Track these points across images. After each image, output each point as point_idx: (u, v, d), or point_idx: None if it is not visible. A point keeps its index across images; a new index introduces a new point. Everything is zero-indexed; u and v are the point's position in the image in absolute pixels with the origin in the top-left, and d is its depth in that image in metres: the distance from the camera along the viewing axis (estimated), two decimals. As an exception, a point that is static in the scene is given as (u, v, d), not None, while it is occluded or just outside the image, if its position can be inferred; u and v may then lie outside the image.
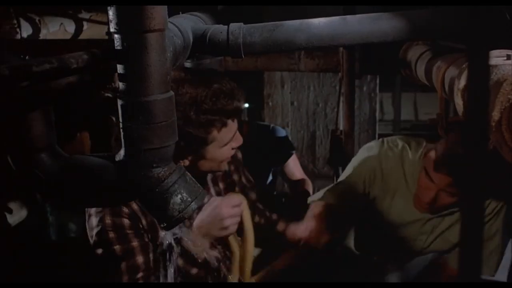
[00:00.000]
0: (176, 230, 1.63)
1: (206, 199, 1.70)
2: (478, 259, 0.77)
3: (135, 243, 1.63)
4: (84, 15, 2.59)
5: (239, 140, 1.73)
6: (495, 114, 1.03)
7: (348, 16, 1.32)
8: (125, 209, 1.63)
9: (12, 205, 2.44)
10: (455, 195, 1.79)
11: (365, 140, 3.85)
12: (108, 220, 1.61)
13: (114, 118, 2.70)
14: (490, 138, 1.06)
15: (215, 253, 1.76)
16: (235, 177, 2.01)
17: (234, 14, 1.90)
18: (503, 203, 1.92)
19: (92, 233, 1.64)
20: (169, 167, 1.14)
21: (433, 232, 2.02)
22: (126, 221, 1.63)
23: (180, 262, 1.68)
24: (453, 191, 1.77)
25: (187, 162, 1.67)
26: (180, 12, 1.57)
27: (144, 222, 1.66)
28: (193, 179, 1.21)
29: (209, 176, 1.90)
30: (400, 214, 2.05)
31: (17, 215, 2.45)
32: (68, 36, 2.55)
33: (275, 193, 3.02)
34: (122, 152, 1.13)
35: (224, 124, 1.64)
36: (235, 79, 1.73)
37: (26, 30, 2.36)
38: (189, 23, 1.37)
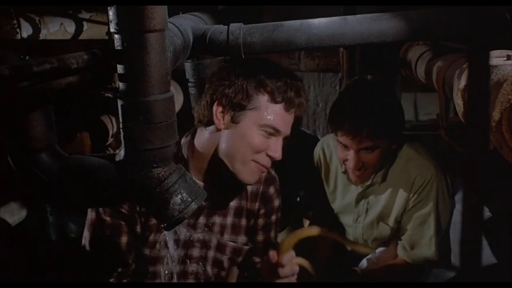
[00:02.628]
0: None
1: None
2: (477, 258, 0.77)
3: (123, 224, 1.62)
4: (84, 15, 2.60)
5: (276, 151, 1.57)
6: (495, 115, 1.03)
7: (348, 17, 1.32)
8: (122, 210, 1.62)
9: (12, 205, 2.44)
10: (371, 149, 1.85)
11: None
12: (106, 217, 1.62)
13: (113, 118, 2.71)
14: (491, 139, 1.06)
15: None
16: (260, 221, 1.80)
17: (234, 14, 1.90)
18: (431, 177, 1.90)
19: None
20: (169, 167, 1.14)
21: (367, 212, 2.07)
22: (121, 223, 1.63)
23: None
24: (365, 145, 1.84)
25: (221, 125, 1.56)
26: (180, 12, 1.57)
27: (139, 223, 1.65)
28: (193, 179, 1.21)
29: (233, 203, 1.74)
30: (342, 194, 2.14)
31: (17, 215, 2.45)
32: (68, 36, 2.55)
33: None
34: (122, 152, 1.13)
35: (272, 99, 1.54)
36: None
37: (26, 30, 2.36)
38: (189, 23, 1.37)
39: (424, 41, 2.02)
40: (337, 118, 1.89)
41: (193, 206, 1.15)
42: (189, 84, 2.05)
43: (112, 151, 2.69)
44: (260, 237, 1.82)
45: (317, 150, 2.20)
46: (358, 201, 2.07)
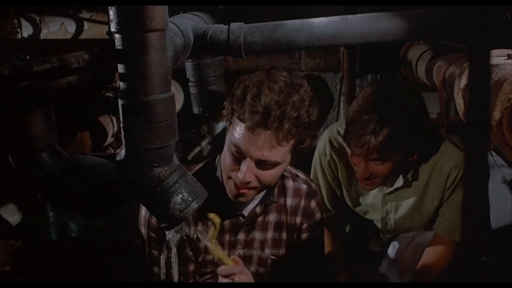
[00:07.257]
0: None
1: None
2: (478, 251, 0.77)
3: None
4: (85, 15, 2.60)
5: (240, 172, 1.43)
6: (496, 114, 1.03)
7: (348, 16, 1.32)
8: None
9: (12, 205, 2.44)
10: (380, 161, 1.75)
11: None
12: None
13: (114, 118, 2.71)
14: (491, 138, 1.07)
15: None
16: (304, 236, 1.73)
17: (234, 14, 1.90)
18: (460, 169, 1.86)
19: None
20: (169, 167, 1.14)
21: (398, 209, 2.02)
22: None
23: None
24: (375, 156, 1.73)
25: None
26: (181, 12, 1.57)
27: None
28: (194, 178, 1.21)
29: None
30: (362, 194, 2.07)
31: (17, 215, 2.45)
32: (69, 36, 2.55)
33: None
34: (122, 152, 1.13)
35: (238, 117, 1.41)
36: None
37: (26, 30, 2.36)
38: (189, 23, 1.37)
39: (424, 40, 2.02)
40: (348, 122, 1.77)
41: (194, 205, 1.15)
42: (190, 84, 2.05)
43: (112, 151, 2.69)
44: (305, 251, 1.78)
45: (326, 152, 2.05)
46: (385, 202, 2.01)
